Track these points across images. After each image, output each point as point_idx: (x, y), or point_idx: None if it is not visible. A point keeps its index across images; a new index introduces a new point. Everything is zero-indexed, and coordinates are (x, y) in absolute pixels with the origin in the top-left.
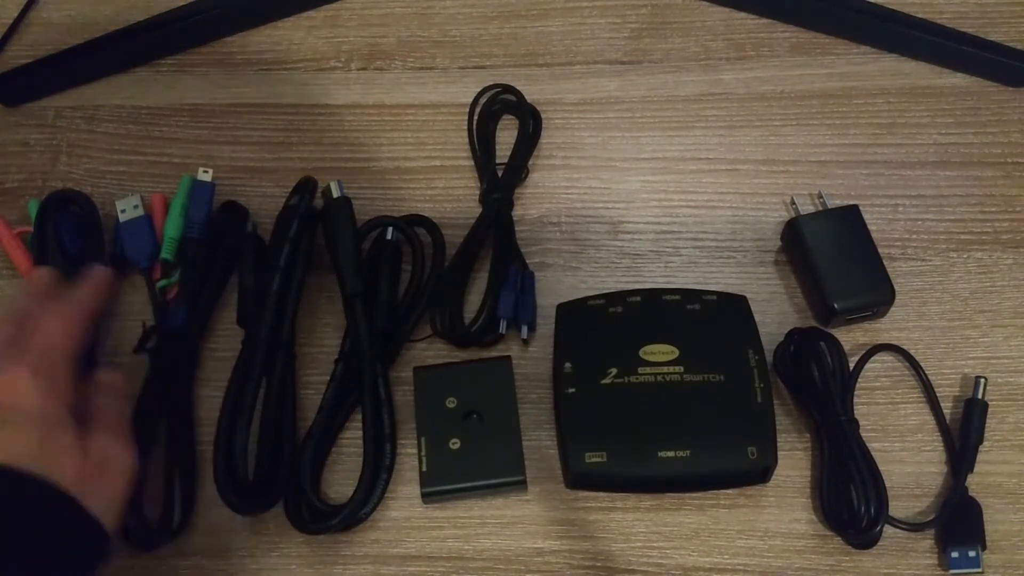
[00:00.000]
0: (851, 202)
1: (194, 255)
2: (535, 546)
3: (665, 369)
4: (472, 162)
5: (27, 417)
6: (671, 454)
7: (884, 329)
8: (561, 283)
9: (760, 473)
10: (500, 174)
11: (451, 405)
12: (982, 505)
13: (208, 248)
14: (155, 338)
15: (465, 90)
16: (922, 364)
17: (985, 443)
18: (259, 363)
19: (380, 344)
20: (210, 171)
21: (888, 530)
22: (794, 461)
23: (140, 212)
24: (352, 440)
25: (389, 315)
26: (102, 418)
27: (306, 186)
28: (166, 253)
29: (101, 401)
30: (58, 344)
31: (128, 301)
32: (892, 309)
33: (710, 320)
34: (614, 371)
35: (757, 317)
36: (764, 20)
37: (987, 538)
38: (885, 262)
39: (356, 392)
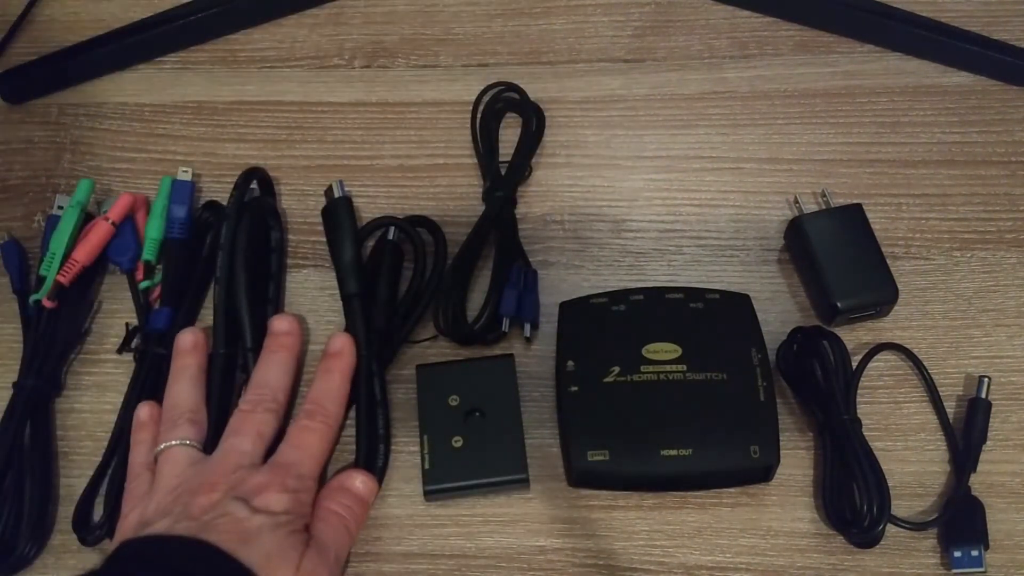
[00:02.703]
0: (854, 201)
1: (176, 255)
2: (537, 544)
3: (668, 367)
4: (475, 160)
5: (275, 523)
6: (673, 452)
7: (887, 328)
8: (564, 281)
9: (762, 472)
10: (503, 172)
11: (454, 403)
12: (985, 505)
13: (190, 248)
14: (139, 339)
15: (468, 88)
16: (925, 363)
17: (988, 442)
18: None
19: (377, 344)
20: (189, 170)
21: (891, 529)
22: (797, 460)
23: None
24: (348, 440)
25: (387, 315)
26: (322, 535)
27: (244, 181)
28: (148, 254)
29: (333, 509)
30: (307, 462)
31: (112, 300)
32: (895, 308)
33: (713, 319)
34: (617, 369)
35: (760, 316)
36: (768, 18)
37: (990, 537)
38: (888, 261)
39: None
